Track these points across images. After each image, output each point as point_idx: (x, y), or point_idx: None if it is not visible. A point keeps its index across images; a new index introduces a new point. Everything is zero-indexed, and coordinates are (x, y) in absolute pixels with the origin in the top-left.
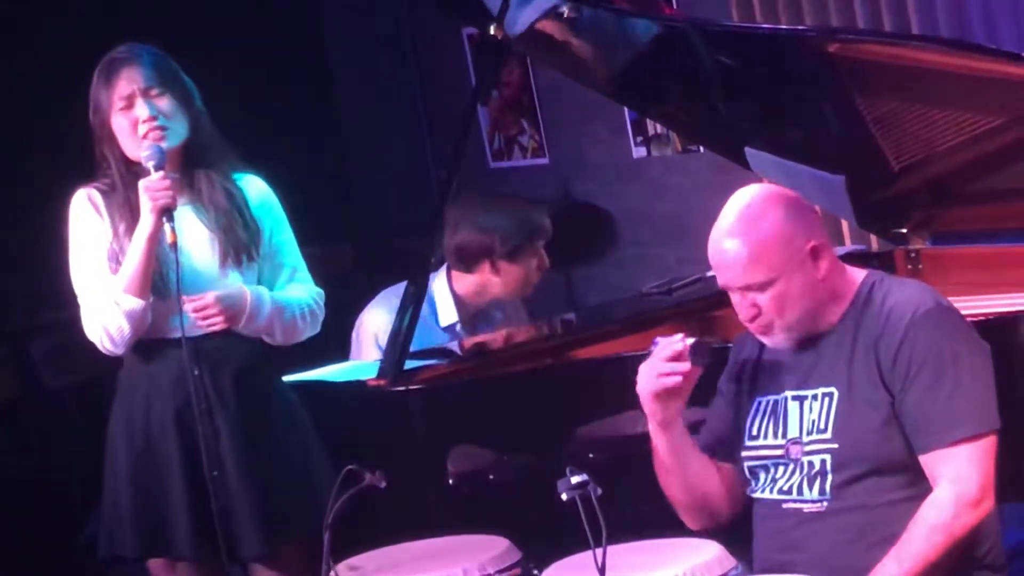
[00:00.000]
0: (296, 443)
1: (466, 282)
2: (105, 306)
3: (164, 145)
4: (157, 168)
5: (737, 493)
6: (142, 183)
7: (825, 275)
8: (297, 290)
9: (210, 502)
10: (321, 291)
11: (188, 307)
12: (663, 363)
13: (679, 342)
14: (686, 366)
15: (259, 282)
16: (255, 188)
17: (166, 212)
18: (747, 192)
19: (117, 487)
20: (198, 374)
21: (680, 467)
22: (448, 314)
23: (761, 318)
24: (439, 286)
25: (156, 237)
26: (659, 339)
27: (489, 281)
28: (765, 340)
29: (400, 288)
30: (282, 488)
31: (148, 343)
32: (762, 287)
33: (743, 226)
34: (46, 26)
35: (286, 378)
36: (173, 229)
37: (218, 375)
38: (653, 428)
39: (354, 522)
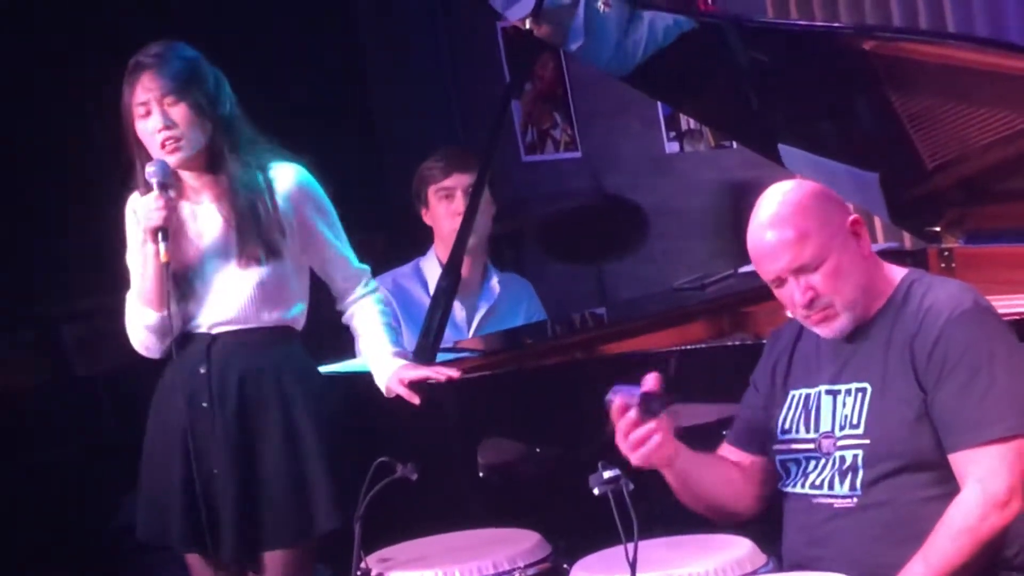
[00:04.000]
0: (291, 454)
1: (435, 240)
2: (132, 316)
3: (180, 155)
4: (160, 185)
5: (764, 488)
6: (139, 202)
7: (867, 253)
8: (368, 304)
9: (205, 500)
10: (369, 274)
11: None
12: (629, 440)
13: (628, 407)
14: (650, 425)
15: (288, 275)
16: (285, 180)
17: (160, 232)
18: (778, 186)
19: (141, 472)
20: (205, 372)
21: (692, 489)
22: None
23: (820, 300)
24: (428, 264)
25: (157, 255)
26: (617, 389)
27: (432, 223)
28: (826, 330)
29: (395, 271)
30: (269, 499)
31: (182, 338)
32: (815, 266)
33: (784, 211)
34: (69, 18)
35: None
36: (167, 249)
37: (223, 377)
38: (658, 468)
39: (385, 514)
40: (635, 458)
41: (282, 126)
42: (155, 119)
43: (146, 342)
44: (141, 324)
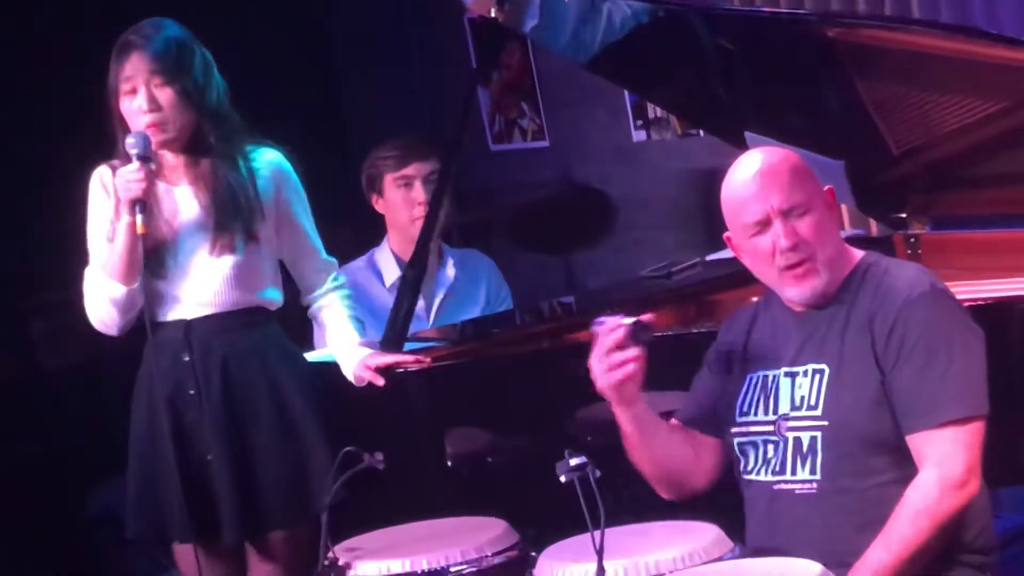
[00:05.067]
0: (285, 435)
1: (389, 230)
2: (95, 289)
3: (161, 137)
4: (140, 157)
5: (714, 466)
6: (118, 172)
7: (837, 227)
8: (336, 298)
9: (198, 488)
10: (337, 267)
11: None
12: (610, 356)
13: (619, 328)
14: (633, 351)
15: (273, 265)
16: (266, 165)
17: (138, 203)
18: (757, 149)
19: (128, 468)
20: (188, 360)
21: (645, 441)
22: (391, 273)
23: (803, 248)
24: (382, 256)
25: (133, 227)
26: (601, 319)
27: (386, 212)
28: (805, 287)
29: (348, 265)
30: (267, 480)
31: (153, 325)
32: (802, 211)
33: (775, 159)
34: (28, 8)
35: None
36: (144, 221)
37: (207, 362)
38: (615, 408)
39: (353, 503)
40: (606, 380)
41: (247, 114)
42: (140, 99)
43: (106, 318)
44: (106, 298)
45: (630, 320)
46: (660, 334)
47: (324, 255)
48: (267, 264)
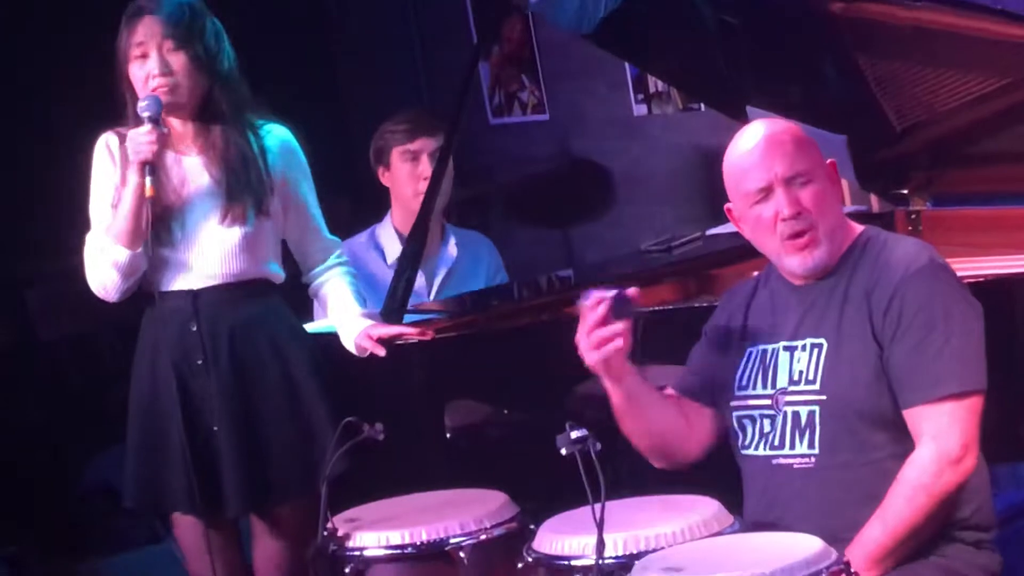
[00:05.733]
0: (293, 407)
1: (393, 204)
2: (97, 253)
3: (172, 101)
4: (151, 119)
5: (707, 435)
6: (129, 134)
7: (840, 200)
8: (339, 273)
9: (202, 459)
10: (340, 245)
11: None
12: (594, 333)
13: (600, 303)
14: (616, 327)
15: (281, 240)
16: (275, 140)
17: (148, 166)
18: (760, 120)
19: (128, 437)
20: (196, 330)
21: (635, 412)
22: (393, 250)
23: (804, 217)
24: (384, 232)
25: (140, 190)
26: (587, 293)
27: (391, 185)
28: (806, 258)
29: (350, 240)
30: (273, 452)
31: (158, 294)
32: (805, 180)
33: (779, 129)
34: None
35: None
36: (152, 184)
37: (215, 332)
38: (605, 382)
39: (352, 475)
40: (592, 357)
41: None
42: (152, 63)
43: (108, 281)
44: (108, 262)
45: (612, 294)
46: (661, 308)
47: (328, 234)
48: (272, 238)
